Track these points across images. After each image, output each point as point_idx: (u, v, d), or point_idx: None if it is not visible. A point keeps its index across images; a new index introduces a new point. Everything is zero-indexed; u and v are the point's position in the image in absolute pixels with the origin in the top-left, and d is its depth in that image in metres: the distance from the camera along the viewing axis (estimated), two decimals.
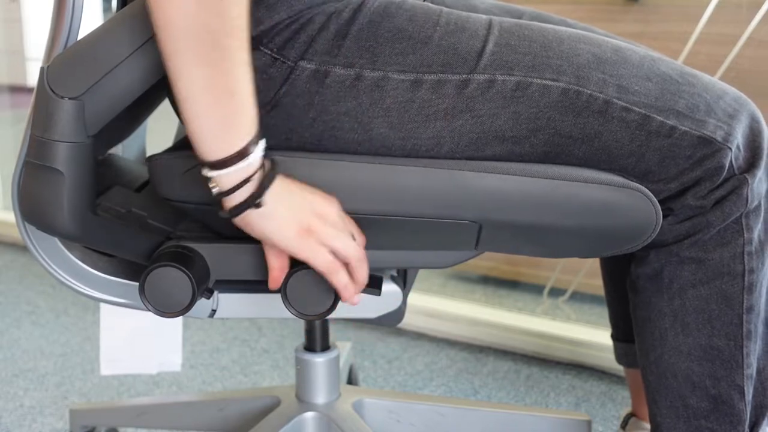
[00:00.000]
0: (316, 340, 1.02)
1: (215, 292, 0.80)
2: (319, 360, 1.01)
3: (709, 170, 0.73)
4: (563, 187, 0.71)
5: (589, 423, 1.10)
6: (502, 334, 1.59)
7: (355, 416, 1.01)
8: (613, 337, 1.05)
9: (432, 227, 0.71)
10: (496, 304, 1.79)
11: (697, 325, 0.77)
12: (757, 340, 0.79)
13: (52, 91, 0.65)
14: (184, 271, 0.70)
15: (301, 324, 1.53)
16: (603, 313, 1.70)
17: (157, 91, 0.73)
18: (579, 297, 1.78)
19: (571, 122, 0.70)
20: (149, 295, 0.71)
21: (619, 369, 1.45)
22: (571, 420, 1.09)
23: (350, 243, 0.69)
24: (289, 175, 0.69)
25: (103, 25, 0.67)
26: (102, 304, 0.97)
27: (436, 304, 1.68)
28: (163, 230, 0.78)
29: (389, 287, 0.79)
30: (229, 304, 0.80)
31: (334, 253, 0.69)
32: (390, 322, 0.84)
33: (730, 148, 0.73)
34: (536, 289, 1.85)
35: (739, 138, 0.74)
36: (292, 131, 0.71)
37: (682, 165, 0.72)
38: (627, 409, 1.08)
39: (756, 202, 0.76)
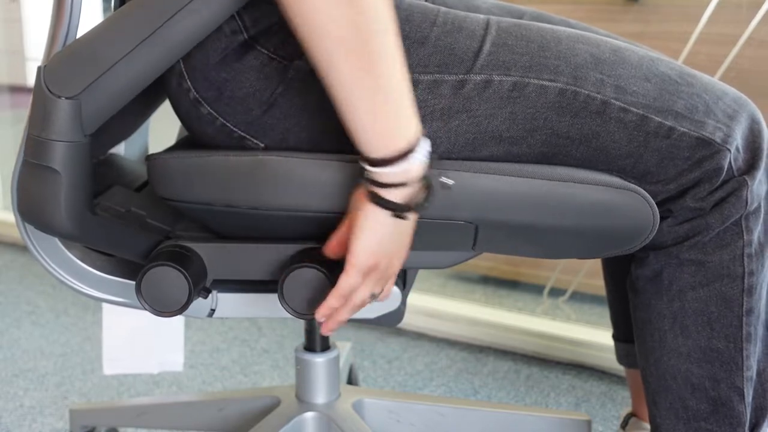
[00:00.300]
0: (316, 340, 1.02)
1: (214, 292, 0.80)
2: (319, 360, 1.01)
3: (708, 172, 0.72)
4: (560, 187, 0.70)
5: (589, 423, 1.10)
6: (502, 334, 1.59)
7: (355, 416, 1.01)
8: (614, 337, 1.05)
9: (429, 228, 0.71)
10: (496, 304, 1.79)
11: (696, 327, 0.77)
12: (757, 342, 0.78)
13: (49, 90, 0.65)
14: (180, 271, 0.70)
15: (301, 324, 1.53)
16: (603, 313, 1.70)
17: (158, 90, 0.73)
18: (579, 297, 1.78)
19: (569, 123, 0.70)
20: (146, 294, 0.72)
21: (619, 369, 1.45)
22: (571, 420, 1.09)
23: (376, 295, 0.71)
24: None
25: (100, 24, 0.66)
26: (104, 304, 0.98)
27: (436, 304, 1.67)
28: (162, 230, 0.78)
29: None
30: (228, 303, 0.80)
31: (364, 299, 0.70)
32: (390, 323, 0.84)
33: (729, 150, 0.72)
34: (536, 289, 1.85)
35: (738, 139, 0.73)
36: (288, 131, 0.71)
37: (681, 166, 0.72)
38: (627, 409, 1.08)
39: (756, 204, 0.75)
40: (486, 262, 1.90)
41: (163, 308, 0.72)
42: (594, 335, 1.53)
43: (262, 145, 0.72)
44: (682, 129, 0.71)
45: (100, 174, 0.83)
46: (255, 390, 1.15)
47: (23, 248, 2.17)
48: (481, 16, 0.73)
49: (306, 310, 0.72)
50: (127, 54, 0.64)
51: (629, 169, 0.72)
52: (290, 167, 0.70)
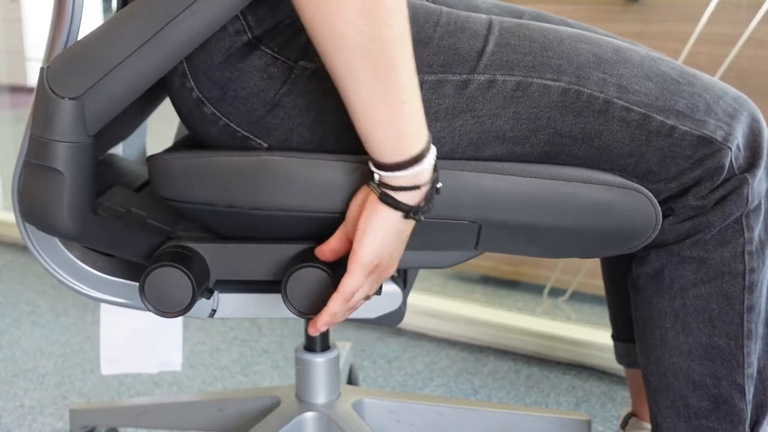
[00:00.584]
0: (316, 340, 1.02)
1: (215, 292, 0.80)
2: (319, 360, 1.01)
3: (710, 170, 0.73)
4: (563, 187, 0.71)
5: (589, 423, 1.10)
6: (502, 334, 1.59)
7: (355, 416, 1.01)
8: (614, 337, 1.05)
9: (431, 227, 0.71)
10: (496, 304, 1.79)
11: (697, 324, 0.77)
12: (758, 339, 0.79)
13: (52, 91, 0.65)
14: (184, 271, 0.70)
15: (301, 324, 1.53)
16: (603, 313, 1.70)
17: (157, 90, 0.73)
18: (579, 297, 1.78)
19: (572, 122, 0.70)
20: (149, 295, 0.71)
21: (619, 369, 1.45)
22: (571, 420, 1.09)
23: (369, 297, 0.72)
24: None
25: (103, 24, 0.66)
26: (102, 304, 0.98)
27: (436, 304, 1.67)
28: (162, 230, 0.78)
29: (389, 287, 0.79)
30: (229, 304, 0.80)
31: (361, 299, 0.71)
32: (390, 322, 0.84)
33: (730, 148, 0.73)
34: (536, 289, 1.85)
35: (739, 138, 0.74)
36: (292, 131, 0.71)
37: (683, 165, 0.72)
38: (627, 409, 1.08)
39: (756, 202, 0.76)
40: (486, 262, 1.90)
41: (167, 309, 0.72)
42: (594, 335, 1.53)
43: (266, 145, 0.72)
44: (683, 128, 0.71)
45: (100, 174, 0.83)
46: (255, 390, 1.15)
47: (23, 248, 2.17)
48: (483, 16, 0.73)
49: (309, 310, 0.72)
50: (130, 55, 0.64)
51: (631, 168, 0.72)
52: (293, 167, 0.70)
